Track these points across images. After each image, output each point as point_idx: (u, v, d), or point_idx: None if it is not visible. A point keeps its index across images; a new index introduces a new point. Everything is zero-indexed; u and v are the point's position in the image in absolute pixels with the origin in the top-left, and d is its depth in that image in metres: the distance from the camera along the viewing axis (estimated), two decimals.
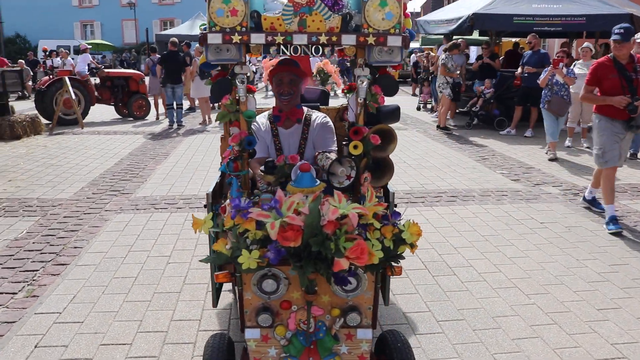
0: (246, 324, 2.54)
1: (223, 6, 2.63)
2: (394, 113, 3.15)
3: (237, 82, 2.87)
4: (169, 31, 23.63)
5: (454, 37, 13.44)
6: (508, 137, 11.15)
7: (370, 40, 2.67)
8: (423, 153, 9.53)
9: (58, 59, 18.47)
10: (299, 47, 2.73)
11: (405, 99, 18.87)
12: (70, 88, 11.81)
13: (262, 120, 3.68)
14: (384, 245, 2.36)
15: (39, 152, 9.42)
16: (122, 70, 18.42)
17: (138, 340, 3.47)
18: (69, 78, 12.22)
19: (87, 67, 13.66)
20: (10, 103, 12.06)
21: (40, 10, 37.50)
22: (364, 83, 2.87)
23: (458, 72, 11.60)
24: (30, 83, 19.57)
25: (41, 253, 4.85)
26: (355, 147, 2.95)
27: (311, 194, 2.53)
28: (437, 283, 4.36)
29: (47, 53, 20.39)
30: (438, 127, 11.78)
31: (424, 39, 21.13)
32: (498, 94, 11.88)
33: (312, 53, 2.74)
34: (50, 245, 5.05)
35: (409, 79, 23.15)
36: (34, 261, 4.68)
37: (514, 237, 5.40)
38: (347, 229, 2.26)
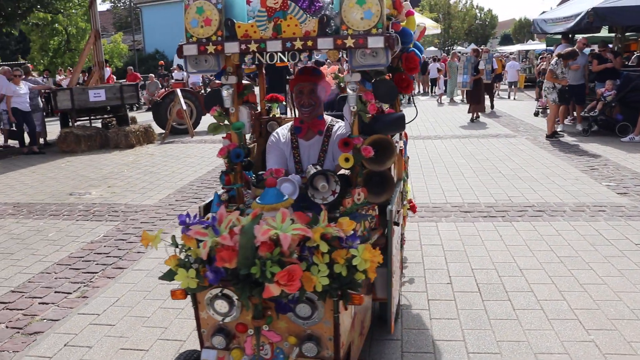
0: (204, 343, 2.45)
1: (197, 16, 2.58)
2: (397, 122, 2.86)
3: (223, 93, 2.80)
4: None
5: (576, 35, 12.23)
6: (630, 144, 9.82)
7: (349, 42, 2.45)
8: (523, 162, 8.73)
9: (182, 72, 20.02)
10: (274, 55, 2.58)
11: (527, 104, 17.58)
12: (181, 99, 12.67)
13: (283, 131, 3.57)
14: (334, 272, 2.13)
15: (144, 160, 10.23)
16: None
17: (155, 347, 3.54)
18: (181, 90, 13.13)
19: (200, 79, 14.59)
20: (133, 114, 13.25)
21: (176, 27, 41.15)
22: (353, 90, 2.63)
23: (567, 77, 10.53)
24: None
25: (107, 256, 5.20)
26: (346, 159, 2.74)
27: (273, 210, 2.37)
28: (485, 309, 3.91)
29: (163, 67, 22.16)
30: (547, 136, 10.76)
31: (549, 39, 19.47)
32: (621, 96, 10.53)
33: (288, 59, 2.57)
34: (118, 249, 5.40)
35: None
36: (98, 264, 5.03)
37: (596, 260, 4.69)
38: (280, 252, 2.06)
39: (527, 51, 31.04)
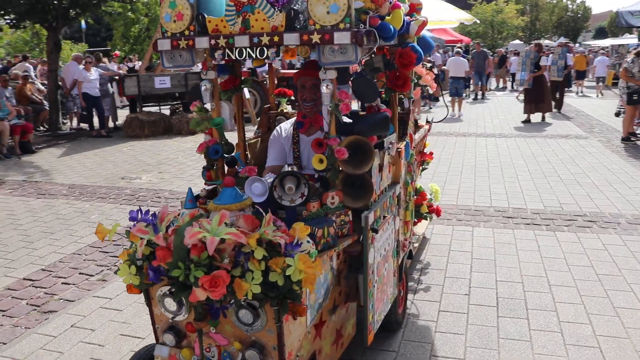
0: (158, 339, 2.43)
1: (170, 11, 2.54)
2: (380, 124, 2.68)
3: (202, 88, 2.75)
4: None
5: None
6: None
7: (315, 38, 2.31)
8: (588, 166, 8.06)
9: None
10: (243, 50, 2.49)
11: (611, 102, 16.27)
12: (245, 88, 12.84)
13: (286, 126, 3.48)
14: (269, 280, 2.01)
15: None
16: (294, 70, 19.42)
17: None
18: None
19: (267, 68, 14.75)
20: None
21: None
22: (327, 87, 2.49)
23: None
24: None
25: None
26: (320, 161, 2.60)
27: (227, 211, 2.29)
28: (497, 326, 3.62)
29: None
30: (622, 139, 9.85)
31: None
32: None
33: (256, 55, 2.47)
34: None
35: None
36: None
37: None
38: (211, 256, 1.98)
39: (619, 45, 28.67)
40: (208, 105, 2.87)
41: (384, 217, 2.89)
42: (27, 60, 14.59)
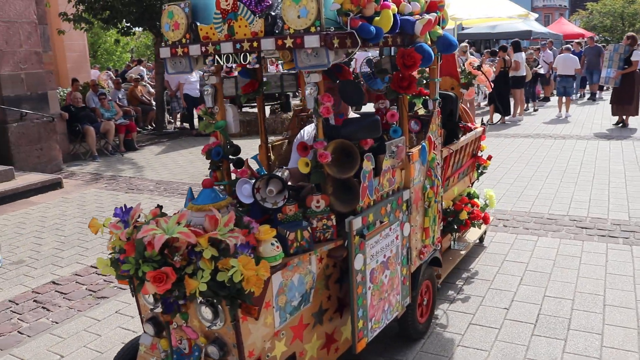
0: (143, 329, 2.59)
1: (168, 20, 2.70)
2: (368, 128, 2.62)
3: (204, 92, 2.89)
4: (470, 30, 23.27)
5: None
6: None
7: (288, 42, 2.34)
8: None
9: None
10: (230, 56, 2.57)
11: None
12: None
13: (309, 129, 3.53)
14: (217, 279, 2.07)
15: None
16: None
17: None
18: None
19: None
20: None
21: None
22: (311, 90, 2.50)
23: None
24: None
25: None
26: (306, 164, 2.63)
27: (200, 211, 2.39)
28: (527, 345, 3.37)
29: None
30: None
31: None
32: None
33: (240, 61, 2.54)
34: None
35: None
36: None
37: None
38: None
39: None
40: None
41: (381, 222, 2.81)
42: (142, 64, 15.97)
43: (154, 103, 13.51)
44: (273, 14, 2.41)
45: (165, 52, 2.75)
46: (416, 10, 2.94)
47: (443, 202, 4.05)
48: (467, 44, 12.83)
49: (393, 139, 2.98)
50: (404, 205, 3.05)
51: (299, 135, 3.59)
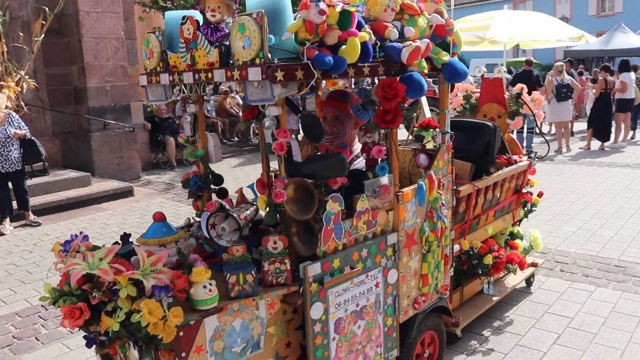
0: None
1: (145, 48, 2.70)
2: (330, 167, 2.41)
3: (183, 122, 2.85)
4: (580, 47, 21.38)
5: None
6: None
7: (236, 74, 2.22)
8: None
9: None
10: (193, 86, 2.49)
11: None
12: (426, 107, 12.53)
13: None
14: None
15: None
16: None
17: None
18: (429, 97, 13.01)
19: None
20: None
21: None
22: (268, 124, 2.36)
23: None
24: None
25: None
26: (264, 202, 2.48)
27: (145, 245, 2.33)
28: None
29: None
30: None
31: None
32: None
33: (201, 91, 2.44)
34: None
35: None
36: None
37: None
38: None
39: None
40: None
41: (352, 268, 2.57)
42: None
43: (241, 115, 13.94)
44: (227, 43, 2.30)
45: (142, 80, 2.74)
46: (412, 36, 2.68)
47: (468, 243, 3.68)
48: (563, 63, 11.83)
49: (379, 176, 2.73)
50: (389, 250, 2.78)
51: None
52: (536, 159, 4.30)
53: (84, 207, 7.67)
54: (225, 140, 13.52)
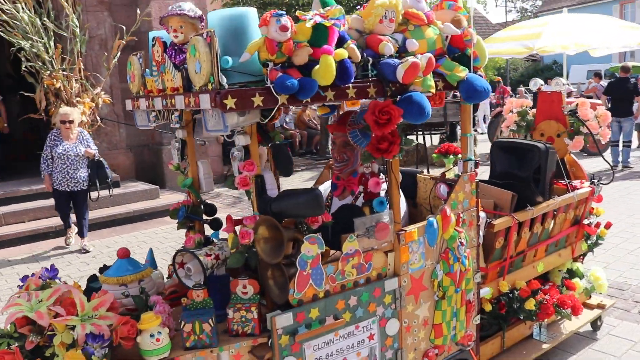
0: None
1: (129, 71, 2.57)
2: (301, 205, 2.12)
3: (171, 148, 2.70)
4: None
5: None
6: None
7: (191, 101, 2.00)
8: None
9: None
10: (165, 112, 2.31)
11: None
12: None
13: (325, 186, 3.12)
14: None
15: None
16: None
17: None
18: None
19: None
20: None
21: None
22: (236, 154, 2.14)
23: None
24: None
25: None
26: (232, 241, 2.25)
27: (105, 283, 2.17)
28: None
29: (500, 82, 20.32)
30: None
31: None
32: None
33: (170, 118, 2.25)
34: None
35: None
36: None
37: None
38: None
39: None
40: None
41: (336, 318, 2.24)
42: None
43: (319, 128, 13.85)
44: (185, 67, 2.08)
45: (128, 105, 2.60)
46: (417, 50, 2.32)
47: (507, 284, 3.19)
48: None
49: (377, 213, 2.39)
50: (388, 297, 2.41)
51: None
52: (600, 185, 3.67)
53: (149, 220, 7.86)
54: (302, 152, 13.47)
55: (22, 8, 7.28)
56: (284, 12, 1.92)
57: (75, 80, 7.62)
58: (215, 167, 10.53)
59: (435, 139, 13.20)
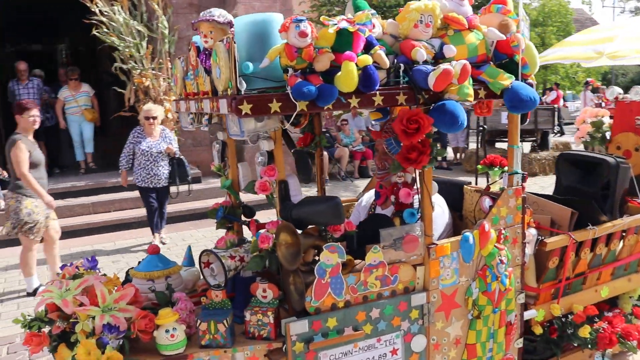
0: None
1: (174, 74, 2.67)
2: (325, 212, 2.10)
3: (212, 150, 2.79)
4: None
5: None
6: None
7: (214, 105, 2.06)
8: None
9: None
10: (199, 116, 2.37)
11: None
12: None
13: (369, 195, 3.08)
14: None
15: None
16: None
17: None
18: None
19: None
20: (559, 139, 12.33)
21: None
22: (260, 160, 2.17)
23: None
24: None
25: None
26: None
27: (135, 277, 2.28)
28: None
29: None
30: None
31: None
32: None
33: (200, 121, 2.31)
34: None
35: None
36: None
37: None
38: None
39: None
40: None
41: (355, 330, 2.19)
42: None
43: None
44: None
45: (173, 106, 2.70)
46: (455, 56, 2.21)
47: (559, 308, 2.96)
48: None
49: (407, 223, 2.31)
50: (414, 312, 2.32)
51: (359, 200, 3.11)
52: None
53: None
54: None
55: (119, 11, 7.82)
56: (304, 18, 1.90)
57: (163, 79, 8.05)
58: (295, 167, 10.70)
59: (527, 147, 12.54)
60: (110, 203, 7.74)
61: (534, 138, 12.23)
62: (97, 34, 7.82)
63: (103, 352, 1.89)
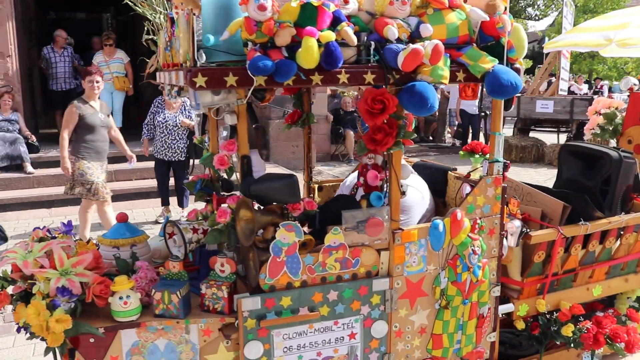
0: None
1: (158, 46, 2.67)
2: (280, 190, 2.08)
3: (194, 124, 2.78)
4: None
5: None
6: None
7: (179, 78, 2.05)
8: None
9: None
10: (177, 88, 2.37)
11: None
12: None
13: (353, 175, 3.06)
14: None
15: None
16: None
17: None
18: None
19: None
20: None
21: None
22: (225, 135, 2.17)
23: None
24: None
25: None
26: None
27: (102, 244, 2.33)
28: None
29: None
30: None
31: None
32: None
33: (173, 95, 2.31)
34: None
35: None
36: None
37: None
38: None
39: None
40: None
41: (311, 310, 2.18)
42: None
43: (437, 114, 13.39)
44: None
45: (159, 78, 2.71)
46: (433, 36, 2.12)
47: (545, 304, 2.87)
48: None
49: (373, 207, 2.26)
50: (376, 297, 2.28)
51: (344, 181, 3.08)
52: None
53: None
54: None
55: None
56: None
57: None
58: (322, 145, 10.66)
59: (562, 138, 12.11)
60: (131, 172, 7.87)
61: (569, 129, 11.78)
62: (129, 2, 7.88)
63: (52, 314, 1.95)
